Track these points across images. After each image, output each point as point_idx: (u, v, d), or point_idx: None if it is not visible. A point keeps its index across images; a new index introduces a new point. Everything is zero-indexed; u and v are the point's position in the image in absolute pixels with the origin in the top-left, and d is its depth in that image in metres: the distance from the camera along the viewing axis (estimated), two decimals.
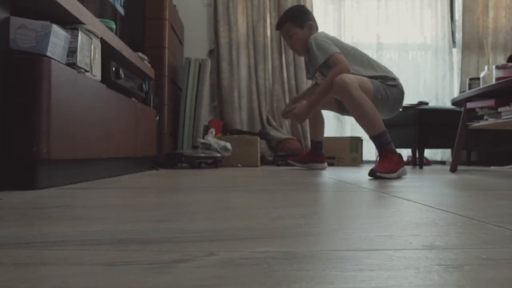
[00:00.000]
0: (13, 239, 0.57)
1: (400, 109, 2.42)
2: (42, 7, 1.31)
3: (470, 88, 2.96)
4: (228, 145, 3.17)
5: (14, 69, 1.21)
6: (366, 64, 2.33)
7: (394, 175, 1.96)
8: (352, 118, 2.52)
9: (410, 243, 0.57)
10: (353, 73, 2.23)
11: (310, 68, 2.61)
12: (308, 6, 4.15)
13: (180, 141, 3.27)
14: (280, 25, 2.54)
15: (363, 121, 2.11)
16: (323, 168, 2.83)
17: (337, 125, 4.26)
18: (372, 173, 1.93)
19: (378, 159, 2.07)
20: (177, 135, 3.32)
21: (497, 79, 2.45)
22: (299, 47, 2.53)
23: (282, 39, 4.11)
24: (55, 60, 1.27)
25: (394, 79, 2.31)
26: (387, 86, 2.26)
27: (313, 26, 2.50)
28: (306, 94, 2.79)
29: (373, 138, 2.09)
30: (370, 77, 2.26)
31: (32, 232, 0.62)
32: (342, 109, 2.64)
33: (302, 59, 3.76)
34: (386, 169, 1.95)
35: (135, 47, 2.41)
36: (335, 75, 2.15)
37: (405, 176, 2.06)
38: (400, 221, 0.75)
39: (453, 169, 2.82)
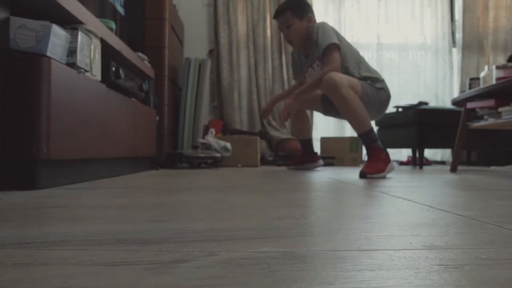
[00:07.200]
0: (13, 239, 0.57)
1: (385, 112, 2.46)
2: (42, 7, 1.31)
3: (470, 88, 2.96)
4: (228, 145, 3.17)
5: (14, 69, 1.21)
6: (361, 64, 2.37)
7: (384, 174, 2.02)
8: None
9: (410, 243, 0.57)
10: (344, 72, 2.26)
11: (305, 62, 2.52)
12: None
13: (180, 141, 3.27)
14: (278, 14, 2.44)
15: (352, 119, 2.14)
16: (319, 166, 2.82)
17: (337, 125, 4.25)
18: (362, 175, 1.98)
19: (366, 158, 2.12)
20: (177, 135, 3.32)
21: (497, 79, 2.45)
22: (295, 38, 2.43)
23: (282, 39, 4.13)
24: (55, 60, 1.27)
25: (383, 81, 2.35)
26: (376, 89, 2.30)
27: (312, 19, 2.44)
28: (287, 95, 2.69)
29: (361, 135, 2.13)
30: (363, 77, 2.30)
31: (32, 232, 0.62)
32: (326, 110, 2.60)
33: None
34: (375, 169, 2.00)
35: (135, 47, 2.41)
36: (325, 73, 2.16)
37: (393, 171, 2.13)
38: (400, 221, 0.75)
39: (453, 169, 2.82)
